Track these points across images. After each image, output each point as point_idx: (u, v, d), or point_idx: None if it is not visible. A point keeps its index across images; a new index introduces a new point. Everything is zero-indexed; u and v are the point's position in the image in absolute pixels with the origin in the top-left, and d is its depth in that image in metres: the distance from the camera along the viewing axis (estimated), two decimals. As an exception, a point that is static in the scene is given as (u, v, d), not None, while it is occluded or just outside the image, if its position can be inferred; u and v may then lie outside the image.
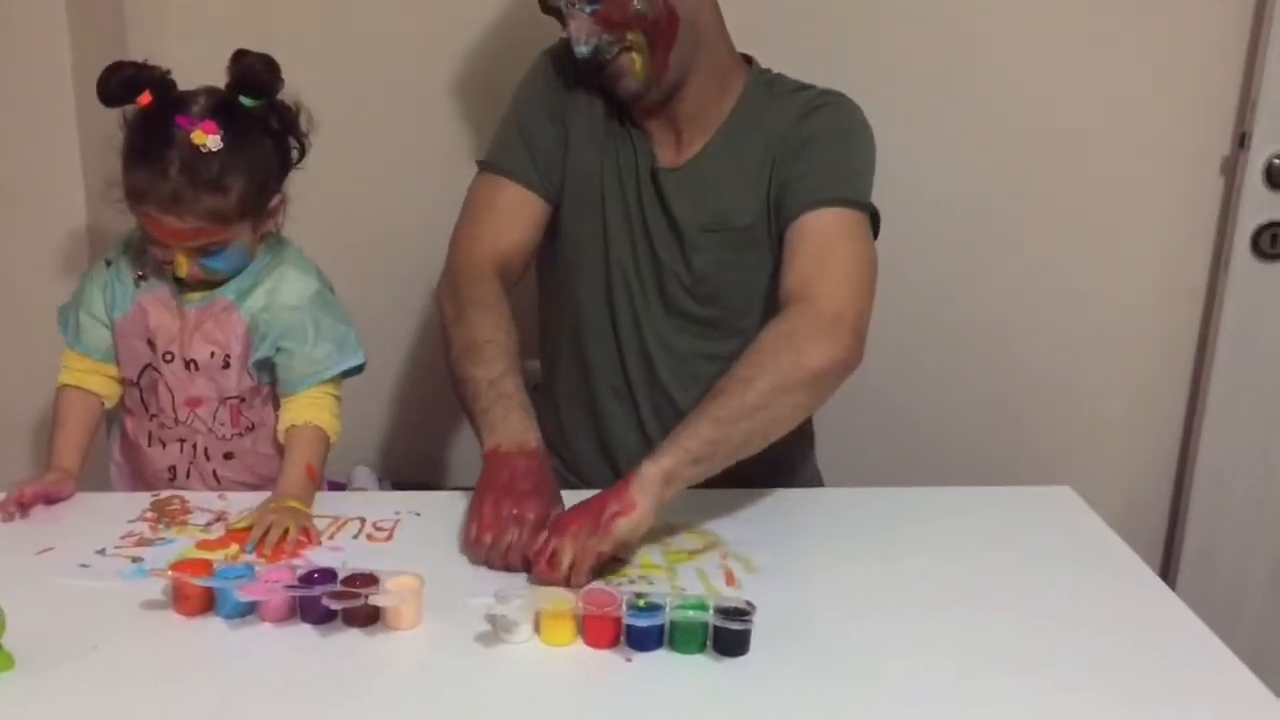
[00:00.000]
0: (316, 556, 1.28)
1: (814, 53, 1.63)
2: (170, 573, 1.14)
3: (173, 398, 1.47)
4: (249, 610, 1.14)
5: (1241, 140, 1.91)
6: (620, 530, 1.22)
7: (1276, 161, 1.88)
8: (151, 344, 1.45)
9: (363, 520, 1.38)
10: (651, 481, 1.24)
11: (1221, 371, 1.99)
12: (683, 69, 1.46)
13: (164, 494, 1.45)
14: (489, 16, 1.92)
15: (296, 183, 1.64)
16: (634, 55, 1.42)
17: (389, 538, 1.34)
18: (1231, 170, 1.95)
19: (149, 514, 1.39)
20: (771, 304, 1.45)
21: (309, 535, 1.31)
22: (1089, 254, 2.02)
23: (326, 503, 1.42)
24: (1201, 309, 2.04)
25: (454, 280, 1.50)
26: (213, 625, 1.14)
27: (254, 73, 1.36)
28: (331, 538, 1.33)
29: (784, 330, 1.34)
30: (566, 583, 1.19)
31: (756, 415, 1.30)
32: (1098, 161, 1.97)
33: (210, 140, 1.31)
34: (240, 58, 1.36)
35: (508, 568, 1.25)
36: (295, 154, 1.43)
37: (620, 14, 1.40)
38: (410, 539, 1.35)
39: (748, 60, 1.56)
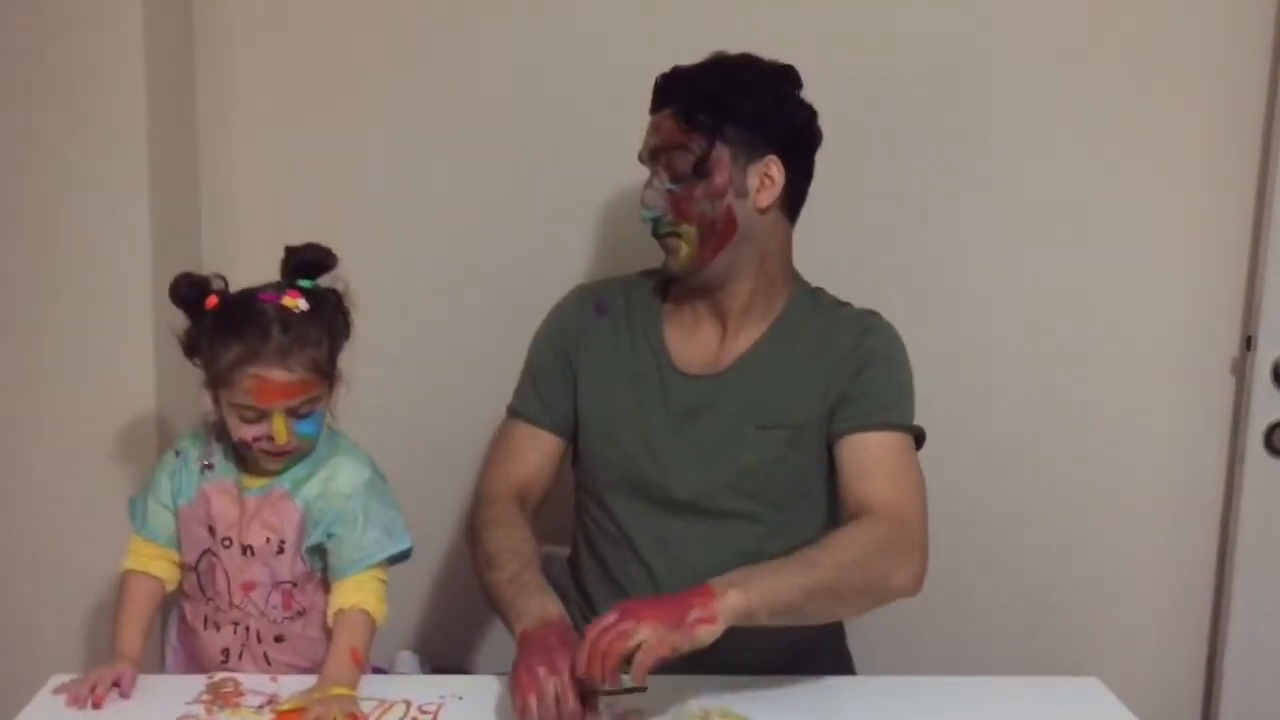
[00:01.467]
0: None
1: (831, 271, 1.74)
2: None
3: (229, 582, 1.51)
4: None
5: (1248, 343, 1.98)
6: (700, 637, 1.30)
7: (1282, 363, 1.95)
8: (212, 530, 1.51)
9: (408, 704, 1.41)
10: (733, 608, 1.33)
11: (1243, 564, 2.02)
12: (729, 269, 1.59)
13: (218, 676, 1.48)
14: (542, 210, 2.04)
15: (350, 371, 1.74)
16: (682, 243, 1.56)
17: (435, 717, 1.38)
18: (1240, 371, 2.01)
19: (205, 696, 1.43)
20: (815, 502, 1.59)
21: (355, 719, 1.34)
22: (1107, 454, 2.07)
23: (372, 686, 1.45)
24: (1221, 506, 2.07)
25: (474, 509, 1.67)
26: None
27: (308, 258, 1.49)
28: None
29: (882, 539, 1.45)
30: (611, 675, 1.26)
31: (832, 602, 1.42)
32: (1111, 369, 2.05)
33: (300, 303, 1.45)
34: (293, 251, 1.49)
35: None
36: (345, 329, 1.53)
37: (687, 205, 1.55)
38: (477, 713, 1.38)
39: None
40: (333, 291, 1.51)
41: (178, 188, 1.98)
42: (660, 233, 1.58)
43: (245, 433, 1.46)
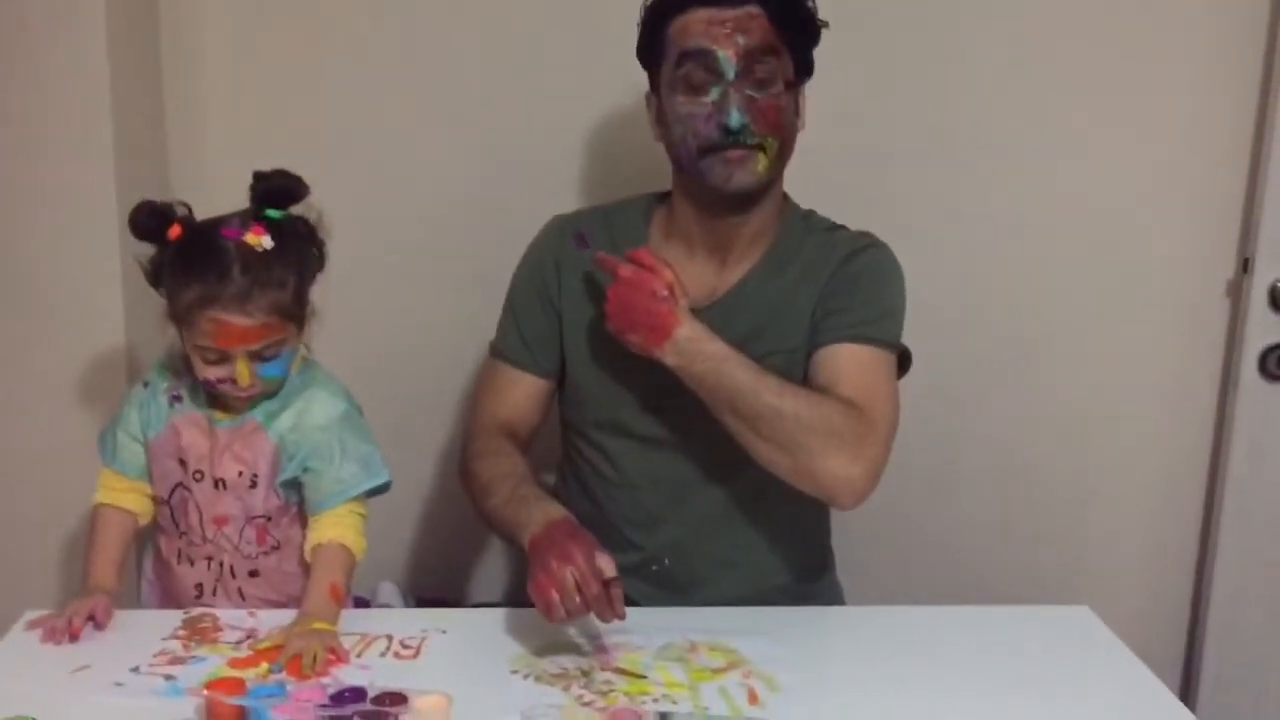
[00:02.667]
0: (345, 675, 1.29)
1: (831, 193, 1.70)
2: (205, 692, 1.16)
3: (201, 516, 1.49)
4: (281, 729, 1.16)
5: (1245, 265, 1.96)
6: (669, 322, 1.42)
7: (1279, 285, 1.93)
8: (183, 463, 1.49)
9: (390, 638, 1.39)
10: (692, 333, 1.42)
11: (1234, 491, 2.01)
12: (772, 191, 1.55)
13: (195, 612, 1.47)
14: (519, 138, 1.98)
15: (328, 300, 1.69)
16: (761, 156, 1.48)
17: (415, 655, 1.36)
18: (1236, 294, 1.99)
19: (181, 632, 1.41)
20: None
21: (337, 654, 1.32)
22: (1100, 377, 2.05)
23: (353, 620, 1.44)
24: (1212, 430, 2.06)
25: (463, 447, 1.65)
26: (245, 743, 1.15)
27: (278, 186, 1.43)
28: (359, 655, 1.35)
29: (841, 422, 1.42)
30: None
31: (762, 430, 1.42)
32: (1109, 289, 2.02)
33: (264, 240, 1.39)
34: (261, 176, 1.43)
35: (589, 607, 1.29)
36: (318, 262, 1.48)
37: (774, 113, 1.48)
38: (437, 656, 1.36)
39: None
40: (303, 221, 1.45)
41: (142, 111, 1.91)
42: (743, 142, 1.47)
43: (208, 373, 1.43)
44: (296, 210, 1.44)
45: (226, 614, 1.46)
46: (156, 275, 1.43)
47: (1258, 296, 1.93)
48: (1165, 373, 2.06)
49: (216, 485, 1.48)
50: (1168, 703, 1.31)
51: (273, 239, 1.40)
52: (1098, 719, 1.25)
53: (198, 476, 1.48)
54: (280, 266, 1.40)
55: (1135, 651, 1.42)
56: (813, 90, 1.56)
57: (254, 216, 1.41)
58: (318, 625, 1.36)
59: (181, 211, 1.42)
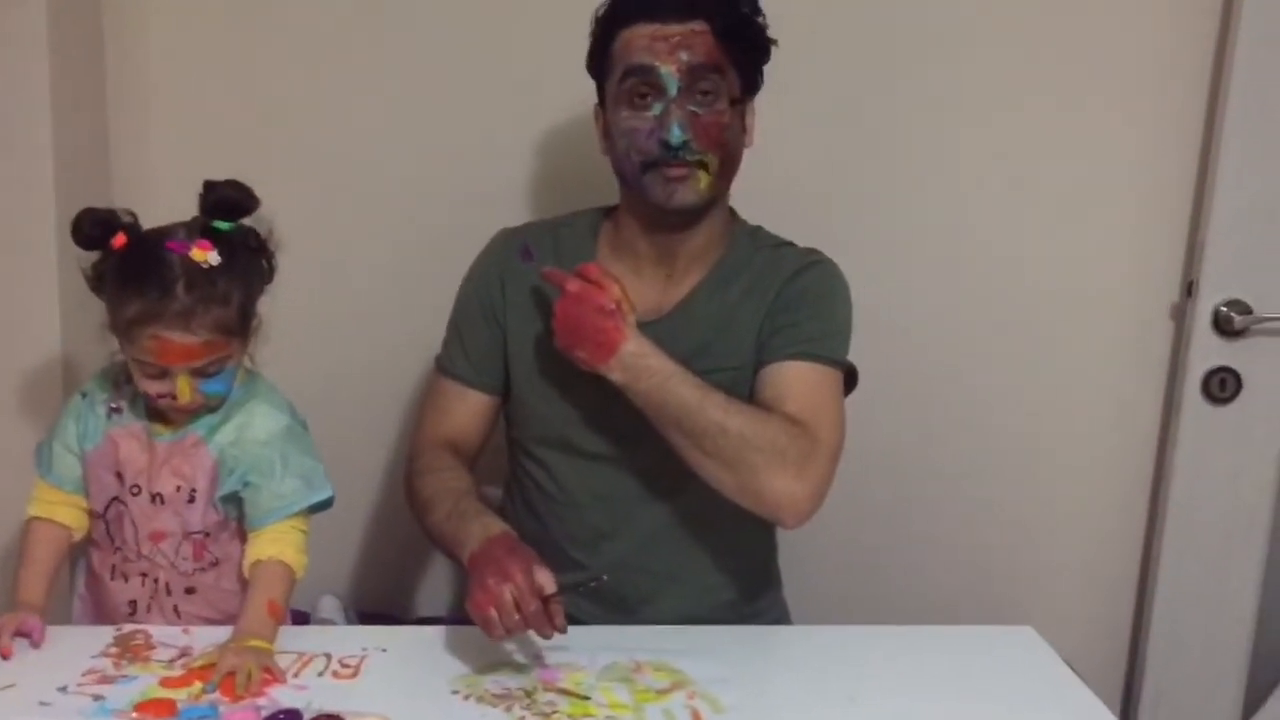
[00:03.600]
0: (281, 695, 1.26)
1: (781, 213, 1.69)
2: (134, 714, 1.12)
3: (137, 531, 1.46)
4: (214, 751, 1.13)
5: (1189, 289, 1.97)
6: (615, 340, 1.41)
7: (1223, 309, 1.94)
8: (120, 476, 1.45)
9: (329, 656, 1.37)
10: (637, 349, 1.42)
11: (1175, 513, 2.02)
12: (715, 207, 1.54)
13: (127, 629, 1.43)
14: (467, 149, 1.97)
15: (273, 312, 1.65)
16: (703, 174, 1.47)
17: (355, 675, 1.33)
18: (1180, 317, 2.01)
19: (112, 649, 1.37)
20: None
21: (272, 674, 1.30)
22: (1045, 397, 2.06)
23: (291, 638, 1.41)
24: (1155, 452, 2.08)
25: (407, 463, 1.63)
26: (176, 767, 1.13)
27: (227, 197, 1.39)
28: (296, 675, 1.32)
29: (787, 441, 1.42)
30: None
31: (707, 447, 1.42)
32: (1054, 310, 2.03)
33: (210, 256, 1.35)
34: (211, 187, 1.40)
35: (528, 624, 1.28)
36: (266, 275, 1.45)
37: (717, 130, 1.47)
38: (376, 676, 1.34)
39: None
40: (253, 234, 1.42)
41: (83, 111, 1.87)
42: (683, 159, 1.46)
43: (148, 388, 1.40)
44: (247, 222, 1.41)
45: (159, 631, 1.42)
46: (99, 281, 1.39)
47: (1201, 320, 1.95)
48: (1109, 394, 2.07)
49: (154, 500, 1.44)
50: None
51: (220, 253, 1.36)
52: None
53: (135, 490, 1.45)
54: (226, 282, 1.36)
55: (1078, 671, 1.42)
56: (768, 102, 1.56)
57: (201, 229, 1.38)
58: (253, 643, 1.33)
59: (126, 219, 1.39)
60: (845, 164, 1.98)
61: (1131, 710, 2.09)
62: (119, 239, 1.37)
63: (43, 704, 1.24)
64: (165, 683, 1.28)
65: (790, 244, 1.62)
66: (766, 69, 1.54)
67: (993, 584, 2.10)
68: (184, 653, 1.37)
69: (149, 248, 1.36)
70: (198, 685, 1.27)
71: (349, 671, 1.34)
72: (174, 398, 1.38)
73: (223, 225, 1.39)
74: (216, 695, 1.24)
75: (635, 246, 1.57)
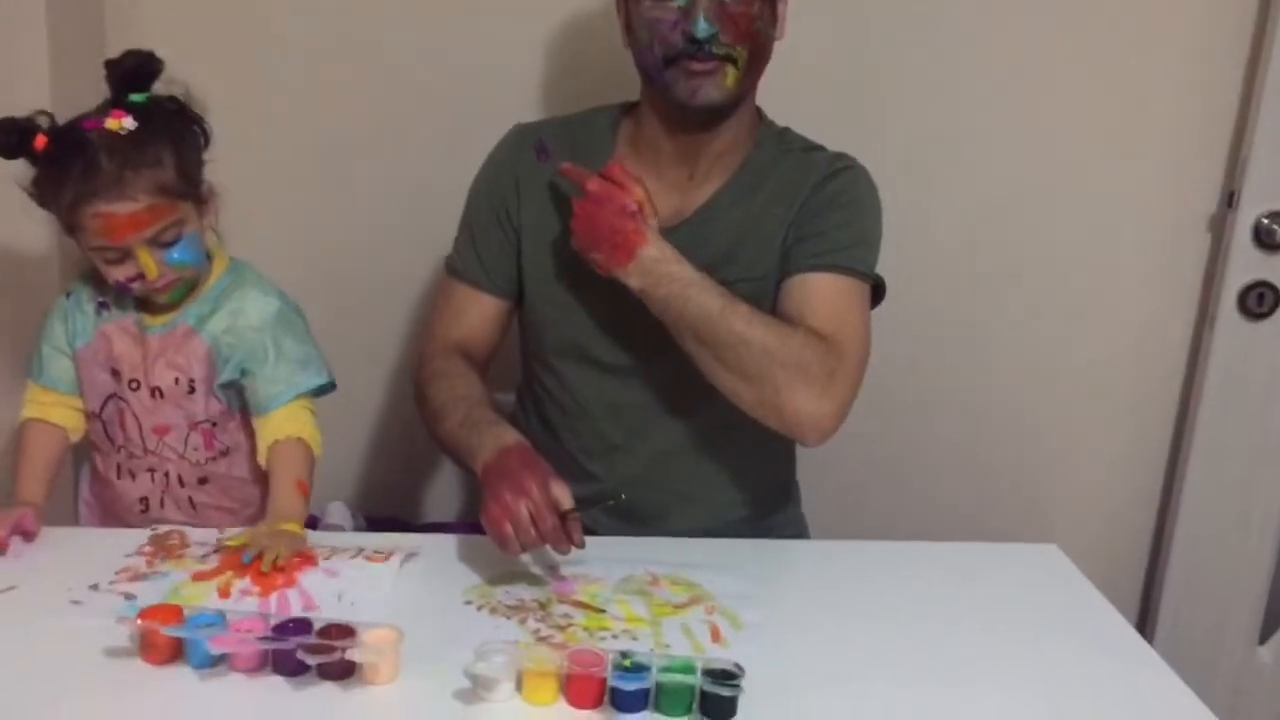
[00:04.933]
0: (311, 582, 1.26)
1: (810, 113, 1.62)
2: (139, 621, 1.09)
3: (140, 426, 1.44)
4: (219, 660, 1.11)
5: (1230, 199, 1.90)
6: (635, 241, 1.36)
7: (1265, 221, 1.88)
8: (116, 373, 1.43)
9: (360, 548, 1.35)
10: (658, 253, 1.36)
11: (1204, 428, 1.98)
12: (744, 104, 1.47)
13: (163, 529, 1.41)
14: (481, 40, 1.89)
15: (278, 211, 1.60)
16: (731, 69, 1.39)
17: (386, 559, 1.32)
18: (1219, 229, 1.94)
19: (147, 548, 1.36)
20: None
21: (304, 556, 1.29)
22: (1075, 309, 2.01)
23: (328, 538, 1.41)
24: (1184, 368, 2.03)
25: (417, 368, 1.57)
26: (182, 675, 1.10)
27: (132, 67, 1.35)
28: (328, 559, 1.31)
29: (811, 356, 1.37)
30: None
31: (727, 358, 1.37)
32: (1086, 219, 1.96)
33: (125, 122, 1.31)
34: (113, 62, 1.35)
35: (544, 539, 1.25)
36: (201, 139, 1.41)
37: (746, 21, 1.38)
38: (416, 577, 1.32)
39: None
40: (169, 99, 1.37)
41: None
42: (710, 53, 1.38)
43: (115, 275, 1.36)
44: (161, 90, 1.37)
45: (196, 532, 1.41)
46: (38, 190, 1.34)
47: (1241, 232, 1.88)
48: (1141, 306, 2.01)
49: (153, 394, 1.42)
50: (1132, 642, 1.29)
51: (136, 119, 1.32)
52: (1062, 654, 1.24)
53: (133, 385, 1.42)
54: (153, 145, 1.32)
55: (1098, 584, 1.41)
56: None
57: (114, 104, 1.34)
58: (286, 526, 1.32)
59: (44, 121, 1.34)
60: (876, 63, 1.90)
61: (1148, 629, 2.07)
62: (40, 141, 1.32)
63: (74, 602, 1.23)
64: (197, 576, 1.28)
65: (820, 147, 1.54)
66: None
67: (1015, 500, 2.07)
68: (219, 549, 1.35)
69: (68, 135, 1.32)
70: (228, 574, 1.27)
71: (380, 557, 1.32)
72: (143, 278, 1.35)
73: (137, 97, 1.35)
74: (217, 600, 1.22)
75: (657, 145, 1.50)
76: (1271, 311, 1.91)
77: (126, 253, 1.33)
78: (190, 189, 1.36)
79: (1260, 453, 1.98)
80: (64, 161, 1.30)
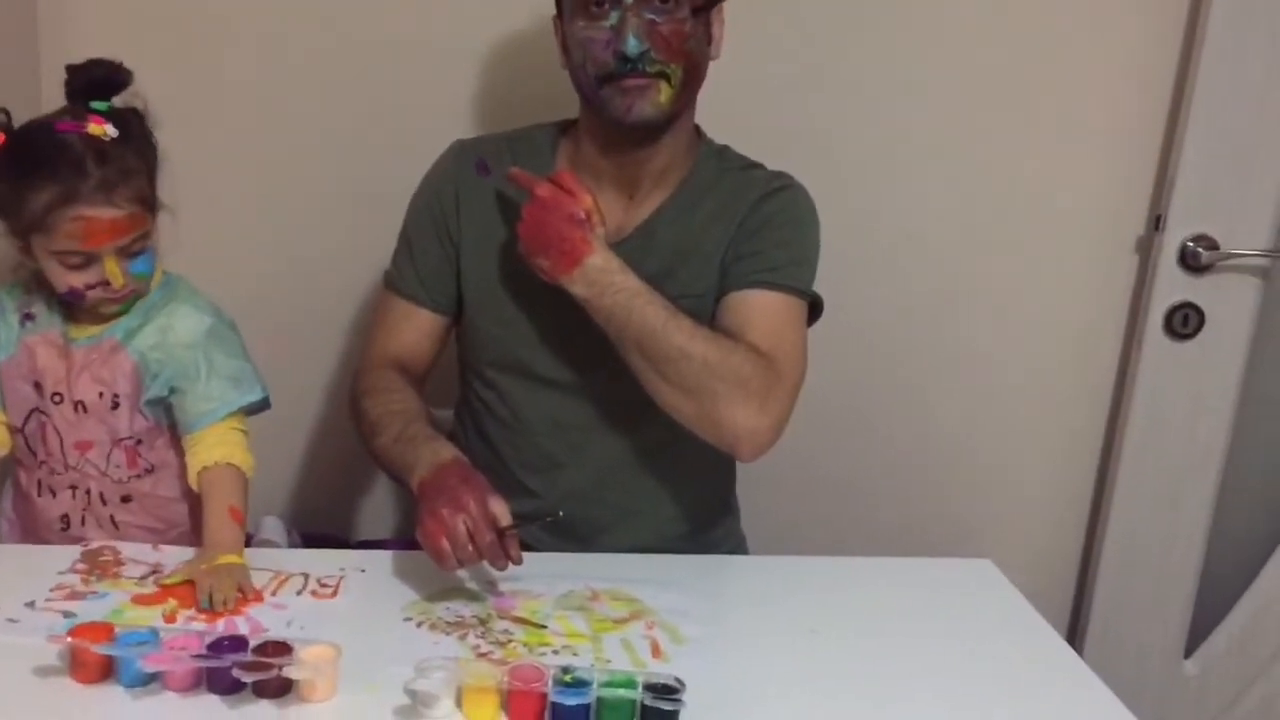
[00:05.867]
0: (261, 615, 1.24)
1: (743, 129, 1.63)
2: (69, 639, 1.07)
3: (61, 441, 1.40)
4: (152, 679, 1.09)
5: (1157, 222, 1.95)
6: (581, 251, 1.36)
7: (1190, 244, 1.92)
8: (39, 386, 1.40)
9: (306, 576, 1.33)
10: (603, 262, 1.36)
11: (1132, 446, 2.02)
12: (679, 122, 1.47)
13: (95, 544, 1.39)
14: (420, 55, 1.88)
15: (212, 225, 1.58)
16: (664, 85, 1.40)
17: (334, 594, 1.30)
18: (1146, 251, 1.99)
19: (80, 565, 1.33)
20: None
21: (244, 593, 1.27)
22: (1007, 328, 2.04)
23: (267, 558, 1.39)
24: (1114, 386, 2.07)
25: (353, 383, 1.56)
26: (113, 695, 1.08)
27: (101, 76, 1.33)
28: (274, 594, 1.29)
29: (750, 371, 1.37)
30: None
31: (667, 371, 1.37)
32: (1018, 241, 2.00)
33: (107, 129, 1.30)
34: (80, 69, 1.34)
35: (482, 555, 1.24)
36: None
37: (677, 39, 1.39)
38: (356, 596, 1.31)
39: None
40: (133, 112, 1.36)
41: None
42: (642, 70, 1.38)
43: (74, 280, 1.33)
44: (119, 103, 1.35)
45: (129, 547, 1.39)
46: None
47: (1168, 254, 1.93)
48: (1071, 326, 2.05)
49: (76, 408, 1.39)
50: (1064, 655, 1.32)
51: (114, 128, 1.31)
52: (996, 667, 1.26)
53: (56, 399, 1.39)
54: (132, 155, 1.32)
55: (1029, 597, 1.43)
56: (738, 20, 1.49)
57: (82, 110, 1.32)
58: (225, 559, 1.29)
59: (1, 119, 1.31)
60: (815, 85, 1.92)
61: (1079, 642, 2.10)
62: None
63: (10, 620, 1.20)
64: (137, 599, 1.25)
65: (759, 166, 1.56)
66: None
67: (950, 516, 2.09)
68: (155, 570, 1.33)
69: (39, 135, 1.30)
70: (171, 602, 1.25)
71: (328, 590, 1.31)
72: (104, 285, 1.33)
73: (100, 105, 1.33)
74: (158, 621, 1.20)
75: (595, 165, 1.50)
76: (1196, 332, 1.96)
77: (93, 259, 1.31)
78: (155, 203, 1.35)
79: (1186, 470, 2.03)
80: (40, 159, 1.28)
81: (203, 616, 1.23)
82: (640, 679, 1.08)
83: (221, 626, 1.21)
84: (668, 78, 1.39)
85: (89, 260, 1.31)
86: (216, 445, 1.39)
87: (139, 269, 1.35)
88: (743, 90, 1.67)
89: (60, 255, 1.31)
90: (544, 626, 1.26)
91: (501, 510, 1.25)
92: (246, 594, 1.27)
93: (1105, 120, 1.96)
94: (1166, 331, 1.96)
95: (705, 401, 1.37)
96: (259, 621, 1.22)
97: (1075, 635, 2.14)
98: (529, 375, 1.53)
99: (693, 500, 1.58)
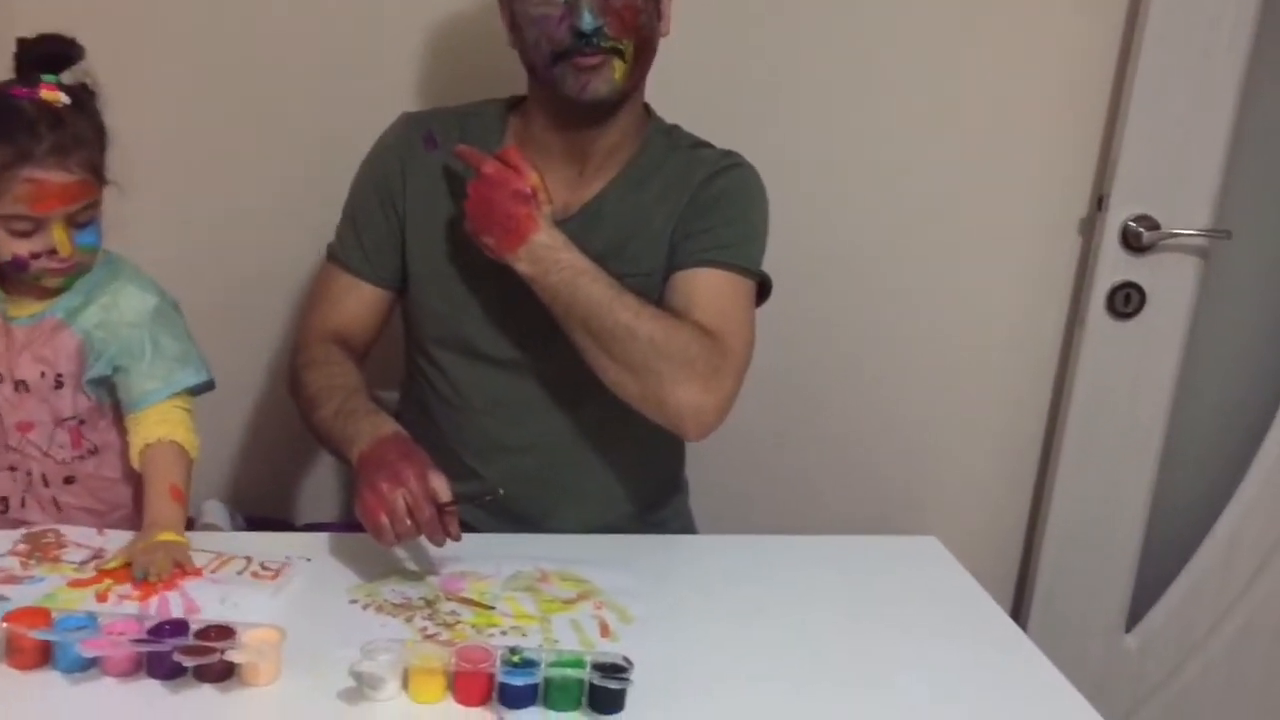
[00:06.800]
0: (196, 590, 1.22)
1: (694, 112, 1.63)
2: (4, 624, 1.05)
3: (2, 422, 1.38)
4: (90, 664, 1.07)
5: (1099, 203, 1.97)
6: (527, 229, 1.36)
7: (1131, 224, 1.94)
8: None
9: (249, 559, 1.31)
10: (549, 240, 1.37)
11: (1075, 423, 2.04)
12: (631, 99, 1.46)
13: (38, 527, 1.37)
14: (363, 28, 1.85)
15: (151, 201, 1.54)
16: (618, 62, 1.39)
17: (275, 577, 1.27)
18: (1089, 231, 2.00)
19: (21, 547, 1.31)
20: None
21: (183, 568, 1.25)
22: (950, 308, 2.05)
23: (211, 540, 1.37)
24: (1056, 364, 2.09)
25: (293, 355, 1.55)
26: (50, 680, 1.06)
27: (52, 50, 1.32)
28: (214, 571, 1.27)
29: (697, 350, 1.37)
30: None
31: (613, 349, 1.37)
32: (962, 220, 2.01)
33: (61, 96, 1.30)
34: (33, 42, 1.32)
35: (420, 530, 1.23)
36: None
37: (630, 14, 1.38)
38: (300, 578, 1.29)
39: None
40: (83, 87, 1.34)
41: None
42: (598, 46, 1.37)
43: (19, 248, 1.31)
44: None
45: (72, 531, 1.36)
46: None
47: (1110, 234, 1.94)
48: (1016, 305, 2.06)
49: (17, 388, 1.37)
50: (1007, 630, 1.34)
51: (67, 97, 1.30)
52: (941, 642, 1.27)
53: None
54: (84, 123, 1.31)
55: (973, 573, 1.45)
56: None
57: (34, 80, 1.30)
58: (164, 537, 1.28)
59: None
60: (761, 63, 1.91)
61: (1022, 617, 2.13)
62: None
63: None
64: (74, 584, 1.23)
65: (707, 145, 1.56)
66: None
67: (894, 492, 2.11)
68: (98, 555, 1.31)
69: None
70: (107, 582, 1.23)
71: (269, 574, 1.28)
72: (50, 253, 1.31)
73: (49, 78, 1.31)
74: (95, 605, 1.18)
75: (544, 141, 1.49)
76: (1137, 311, 1.98)
77: (40, 225, 1.29)
78: (104, 175, 1.34)
79: (1127, 448, 2.05)
80: None
81: (136, 594, 1.21)
82: (588, 659, 1.08)
83: (155, 603, 1.19)
84: (621, 54, 1.39)
85: (37, 226, 1.29)
86: (159, 423, 1.37)
87: (85, 240, 1.33)
88: (691, 71, 1.66)
89: (7, 220, 1.29)
90: (492, 608, 1.25)
91: (441, 486, 1.25)
92: (185, 570, 1.25)
93: (1048, 102, 1.97)
94: (1109, 311, 1.98)
95: (650, 380, 1.37)
96: (193, 600, 1.20)
97: (1019, 610, 2.17)
98: (473, 353, 1.51)
99: (641, 480, 1.58)
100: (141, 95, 1.76)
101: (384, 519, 1.22)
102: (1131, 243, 1.95)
